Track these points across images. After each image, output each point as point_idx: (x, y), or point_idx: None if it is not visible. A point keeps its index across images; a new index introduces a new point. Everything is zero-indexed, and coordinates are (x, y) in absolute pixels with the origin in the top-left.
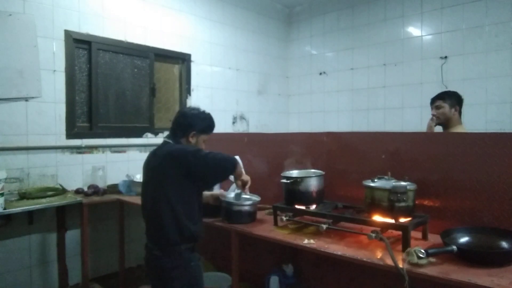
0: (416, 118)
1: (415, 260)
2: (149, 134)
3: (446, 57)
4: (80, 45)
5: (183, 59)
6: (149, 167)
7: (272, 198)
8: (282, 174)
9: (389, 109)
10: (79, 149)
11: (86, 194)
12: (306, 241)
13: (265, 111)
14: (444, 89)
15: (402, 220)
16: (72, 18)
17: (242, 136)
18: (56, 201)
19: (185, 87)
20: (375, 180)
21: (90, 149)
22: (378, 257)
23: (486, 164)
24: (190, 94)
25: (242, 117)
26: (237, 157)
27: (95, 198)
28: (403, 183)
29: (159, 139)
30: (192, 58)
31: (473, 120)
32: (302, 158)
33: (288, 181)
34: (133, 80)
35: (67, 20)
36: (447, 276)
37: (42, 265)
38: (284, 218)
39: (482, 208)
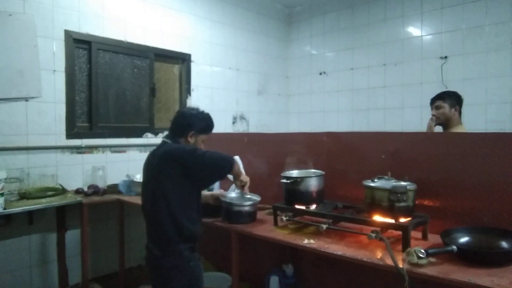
0: (416, 118)
1: (415, 260)
2: (149, 134)
3: (446, 57)
4: (80, 45)
5: (183, 59)
6: (148, 167)
7: (272, 198)
8: (282, 174)
9: (389, 109)
10: (79, 149)
11: (86, 194)
12: (306, 241)
13: (265, 111)
14: (444, 89)
15: (402, 220)
16: (72, 18)
17: (242, 136)
18: (56, 201)
19: (185, 87)
20: (375, 180)
21: (90, 149)
22: (378, 257)
23: (486, 164)
24: (190, 94)
25: (242, 117)
26: (237, 157)
27: (95, 198)
28: (403, 183)
29: (159, 139)
30: (192, 58)
31: (473, 120)
32: (302, 158)
33: (288, 181)
34: (133, 80)
35: (67, 20)
36: (447, 276)
37: (42, 265)
38: (284, 218)
39: (482, 208)
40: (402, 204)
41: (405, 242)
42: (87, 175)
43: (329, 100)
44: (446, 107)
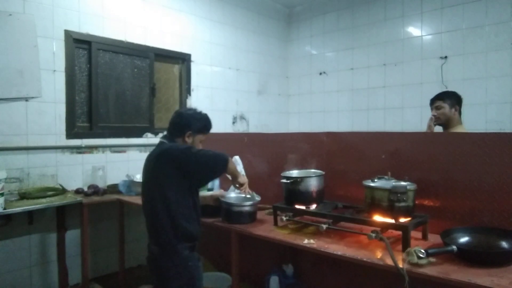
0: (416, 118)
1: (415, 260)
2: (149, 134)
3: (446, 57)
4: (80, 45)
5: (183, 59)
6: (146, 167)
7: (272, 198)
8: (282, 174)
9: (389, 109)
10: (79, 149)
11: (86, 194)
12: (306, 241)
13: (265, 111)
14: (444, 89)
15: (402, 220)
16: (72, 18)
17: (242, 136)
18: (56, 201)
19: (185, 87)
20: (375, 180)
21: (90, 149)
22: (378, 257)
23: (486, 164)
24: (190, 94)
25: (242, 117)
26: (237, 157)
27: (95, 198)
28: (403, 183)
29: (159, 139)
30: (192, 58)
31: (473, 120)
32: (302, 158)
33: (288, 181)
34: (133, 80)
35: (67, 20)
36: (447, 276)
37: (42, 265)
38: (284, 218)
39: (482, 208)
40: (402, 204)
41: (405, 242)
42: (87, 175)
43: (329, 100)
44: (446, 107)
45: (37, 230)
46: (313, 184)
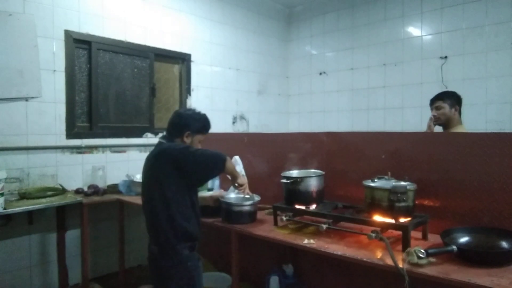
0: (416, 118)
1: (415, 260)
2: (149, 134)
3: (446, 57)
4: (80, 45)
5: (183, 59)
6: (145, 167)
7: (272, 198)
8: (282, 174)
9: (389, 109)
10: (79, 149)
11: (86, 194)
12: (306, 241)
13: (265, 111)
14: (444, 89)
15: (402, 220)
16: (72, 18)
17: (242, 136)
18: (56, 201)
19: (185, 87)
20: (375, 180)
21: (90, 149)
22: (378, 257)
23: (486, 164)
24: (190, 94)
25: (242, 117)
26: (237, 157)
27: (95, 198)
28: (403, 183)
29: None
30: (192, 58)
31: (473, 120)
32: (302, 158)
33: (288, 181)
34: (133, 80)
35: (67, 20)
36: (447, 276)
37: (42, 265)
38: (284, 218)
39: (482, 208)
40: (402, 204)
41: (405, 242)
42: (87, 175)
43: (329, 100)
44: (446, 108)
45: (37, 230)
46: (313, 184)
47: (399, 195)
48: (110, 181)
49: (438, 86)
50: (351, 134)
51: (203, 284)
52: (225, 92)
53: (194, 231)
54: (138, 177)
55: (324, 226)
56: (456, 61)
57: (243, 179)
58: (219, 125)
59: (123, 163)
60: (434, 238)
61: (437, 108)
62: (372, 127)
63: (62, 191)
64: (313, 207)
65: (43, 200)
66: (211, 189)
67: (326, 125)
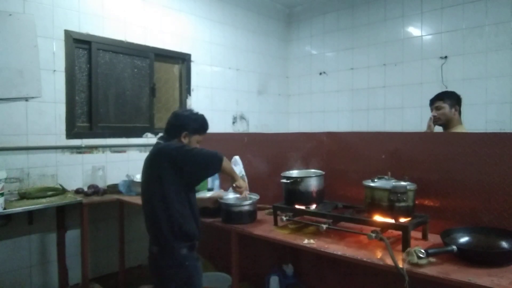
0: (416, 118)
1: (415, 260)
2: (149, 134)
3: (446, 57)
4: (80, 45)
5: (183, 59)
6: (144, 168)
7: (272, 198)
8: (282, 174)
9: (389, 109)
10: (79, 149)
11: (86, 194)
12: (306, 241)
13: (265, 111)
14: (444, 89)
15: (402, 220)
16: (72, 18)
17: (242, 136)
18: (56, 201)
19: (185, 87)
20: (375, 180)
21: (90, 149)
22: (378, 257)
23: (486, 164)
24: (190, 94)
25: (242, 117)
26: (237, 157)
27: (95, 198)
28: (403, 183)
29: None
30: (192, 58)
31: (473, 120)
32: (302, 158)
33: (288, 181)
34: (133, 80)
35: (67, 20)
36: (447, 276)
37: (42, 265)
38: (284, 218)
39: (482, 208)
40: (402, 204)
41: (405, 242)
42: (87, 175)
43: (329, 100)
44: (446, 108)
45: (37, 230)
46: (313, 184)
47: (399, 195)
48: (110, 181)
49: (438, 86)
50: (351, 134)
51: (203, 284)
52: (225, 92)
53: (192, 230)
54: (138, 177)
55: (324, 226)
56: (456, 61)
57: (241, 181)
58: (219, 125)
59: (123, 163)
60: (434, 238)
61: (437, 108)
62: (372, 127)
63: (62, 191)
64: (313, 207)
65: (43, 200)
66: (211, 189)
67: (326, 125)
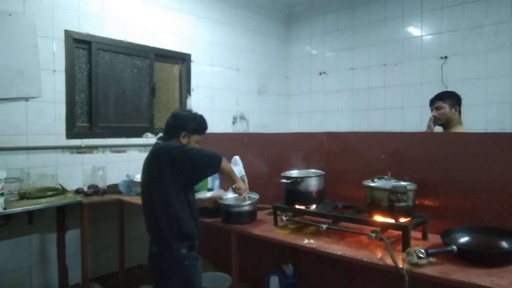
0: (416, 118)
1: (415, 260)
2: (149, 134)
3: (446, 57)
4: (80, 45)
5: (183, 59)
6: (143, 168)
7: (272, 198)
8: (282, 174)
9: (389, 109)
10: (79, 149)
11: (86, 194)
12: (306, 241)
13: (265, 111)
14: (444, 89)
15: (402, 220)
16: (72, 18)
17: (242, 136)
18: (56, 201)
19: (185, 87)
20: (375, 180)
21: (90, 149)
22: (378, 257)
23: (486, 164)
24: (190, 94)
25: (242, 117)
26: (237, 157)
27: (95, 198)
28: (403, 183)
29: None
30: (192, 58)
31: (473, 120)
32: (302, 158)
33: (288, 181)
34: (133, 80)
35: (67, 20)
36: (447, 276)
37: (42, 265)
38: (284, 218)
39: (482, 208)
40: (402, 204)
41: (405, 242)
42: (87, 175)
43: (329, 100)
44: (446, 108)
45: (37, 230)
46: (313, 184)
47: (399, 195)
48: (110, 181)
49: (438, 86)
50: (351, 134)
51: (203, 284)
52: (225, 92)
53: (192, 230)
54: (138, 177)
55: (324, 226)
56: (456, 61)
57: (241, 183)
58: (219, 125)
59: (123, 163)
60: (434, 238)
61: (437, 108)
62: (372, 127)
63: (62, 191)
64: (313, 207)
65: (43, 200)
66: (211, 189)
67: (326, 125)
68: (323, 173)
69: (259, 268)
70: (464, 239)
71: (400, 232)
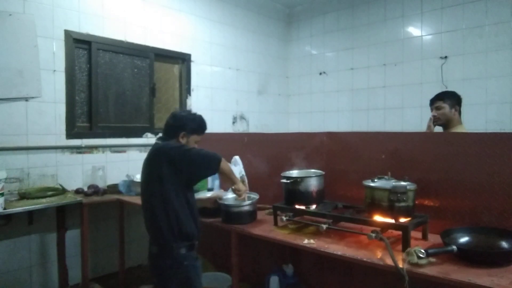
0: (416, 118)
1: (415, 260)
2: (149, 134)
3: (446, 57)
4: (80, 45)
5: (183, 59)
6: (143, 168)
7: (272, 198)
8: (282, 174)
9: (389, 109)
10: (79, 149)
11: (86, 194)
12: (306, 241)
13: (265, 111)
14: (444, 89)
15: (402, 220)
16: (72, 18)
17: (242, 136)
18: (56, 201)
19: (185, 87)
20: (375, 180)
21: (90, 149)
22: (378, 257)
23: (486, 164)
24: (190, 94)
25: (242, 117)
26: (237, 157)
27: (95, 198)
28: (403, 183)
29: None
30: (192, 58)
31: (473, 120)
32: (302, 158)
33: (288, 181)
34: (133, 80)
35: (67, 20)
36: (447, 276)
37: (42, 265)
38: (284, 218)
39: (482, 208)
40: (402, 204)
41: (405, 242)
42: (87, 175)
43: (329, 100)
44: (446, 108)
45: (37, 230)
46: (313, 184)
47: (399, 195)
48: (110, 181)
49: (438, 86)
50: (351, 134)
51: (203, 284)
52: (225, 92)
53: (191, 230)
54: (138, 177)
55: (324, 226)
56: (456, 61)
57: (241, 184)
58: (219, 125)
59: (123, 163)
60: (434, 238)
61: (437, 108)
62: (372, 127)
63: (62, 191)
64: (313, 207)
65: (43, 200)
66: (211, 189)
67: (326, 125)
68: (323, 173)
69: (259, 268)
70: (464, 239)
71: (400, 232)
